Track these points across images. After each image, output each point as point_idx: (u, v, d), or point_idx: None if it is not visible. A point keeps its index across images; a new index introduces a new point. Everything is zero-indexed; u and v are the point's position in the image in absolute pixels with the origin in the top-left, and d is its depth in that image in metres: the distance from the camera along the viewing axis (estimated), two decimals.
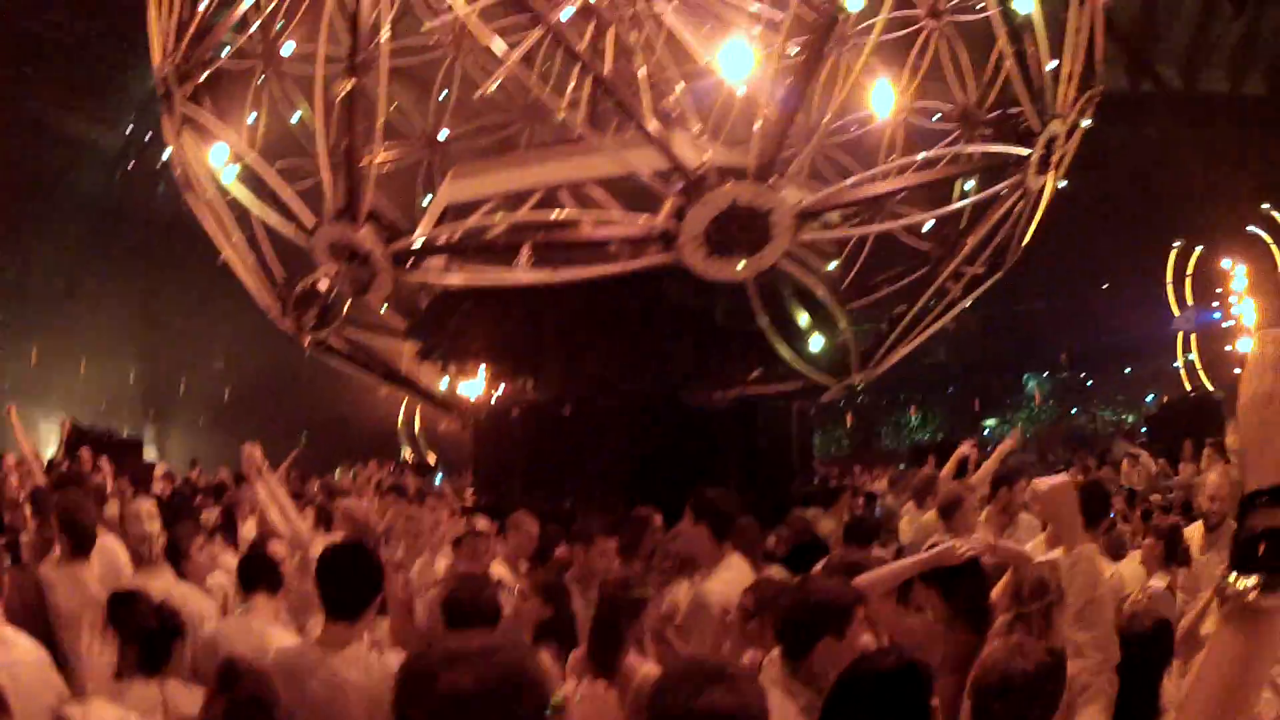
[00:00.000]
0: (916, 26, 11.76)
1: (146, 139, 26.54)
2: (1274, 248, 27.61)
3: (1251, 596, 1.32)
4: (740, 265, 7.57)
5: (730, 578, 5.03)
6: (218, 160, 9.47)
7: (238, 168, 9.56)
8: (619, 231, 7.85)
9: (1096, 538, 6.00)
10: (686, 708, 2.03)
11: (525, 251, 7.76)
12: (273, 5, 10.69)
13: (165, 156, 13.67)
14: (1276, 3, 26.94)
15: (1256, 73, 30.21)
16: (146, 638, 3.96)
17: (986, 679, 2.94)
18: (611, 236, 7.87)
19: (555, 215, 8.22)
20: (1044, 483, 3.76)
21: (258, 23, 10.90)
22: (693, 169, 7.39)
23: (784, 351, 8.37)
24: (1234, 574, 1.35)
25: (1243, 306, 28.28)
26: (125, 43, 22.11)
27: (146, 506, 5.90)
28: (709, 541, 5.24)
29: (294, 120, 11.93)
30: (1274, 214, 27.43)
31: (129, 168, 28.32)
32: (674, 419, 8.93)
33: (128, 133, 28.19)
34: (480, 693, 1.78)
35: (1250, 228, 27.67)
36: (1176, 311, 28.24)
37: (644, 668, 3.95)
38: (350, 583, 4.13)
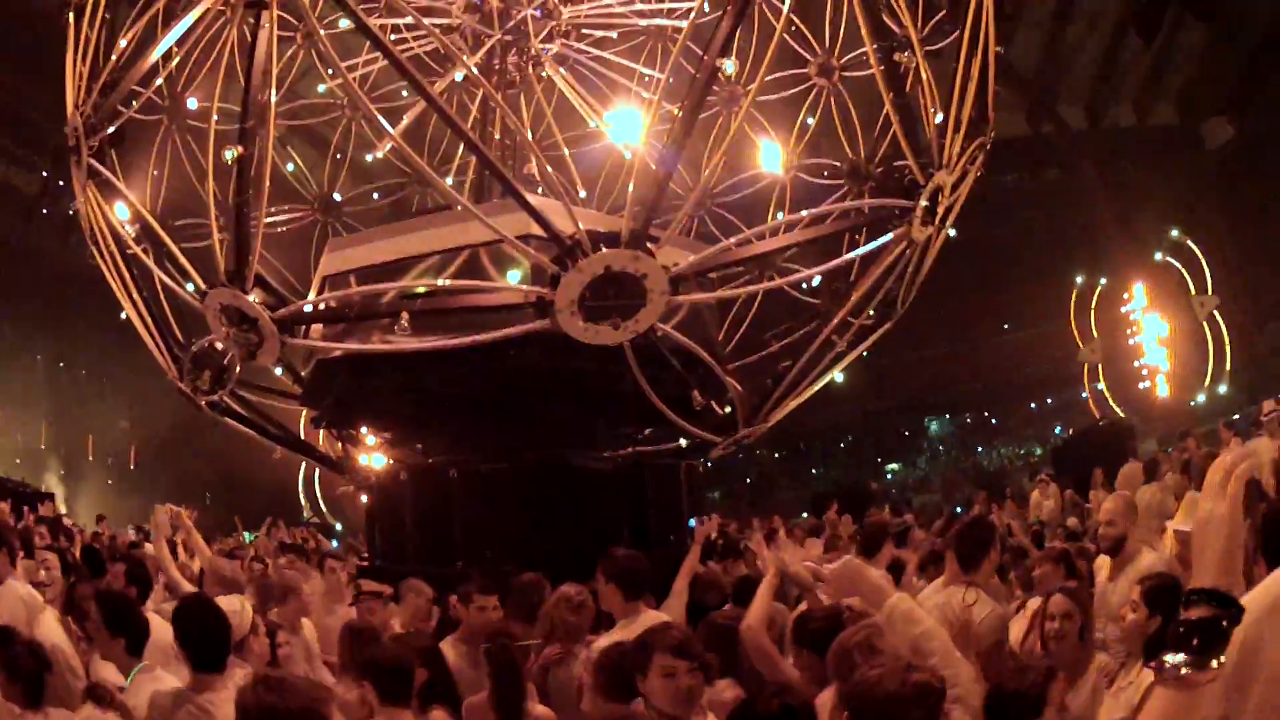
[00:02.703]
0: (808, 85, 12.02)
1: (61, 185, 26.17)
2: (1184, 272, 28.17)
3: (1183, 671, 1.69)
4: (616, 330, 7.62)
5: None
6: (121, 216, 9.41)
7: (138, 225, 9.49)
8: (495, 300, 7.89)
9: (978, 579, 6.14)
10: None
11: (404, 319, 7.76)
12: (179, 58, 10.71)
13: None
14: (1186, 27, 27.53)
15: (1164, 102, 30.86)
16: (25, 674, 4.22)
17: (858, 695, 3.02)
18: (487, 304, 7.90)
19: (437, 283, 8.23)
20: (829, 570, 3.92)
21: (162, 77, 10.93)
22: (566, 236, 7.45)
23: (667, 413, 8.44)
24: (1170, 653, 1.71)
25: (1150, 333, 28.89)
26: (44, 86, 21.83)
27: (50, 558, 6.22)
28: (620, 600, 5.62)
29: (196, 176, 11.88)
30: (1183, 239, 27.96)
31: (43, 214, 27.84)
32: (562, 481, 8.97)
33: (44, 177, 27.74)
34: None
35: (1158, 255, 28.23)
36: (1081, 345, 28.79)
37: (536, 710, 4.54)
38: (202, 636, 4.40)
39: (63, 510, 22.07)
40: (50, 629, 5.83)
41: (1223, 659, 1.69)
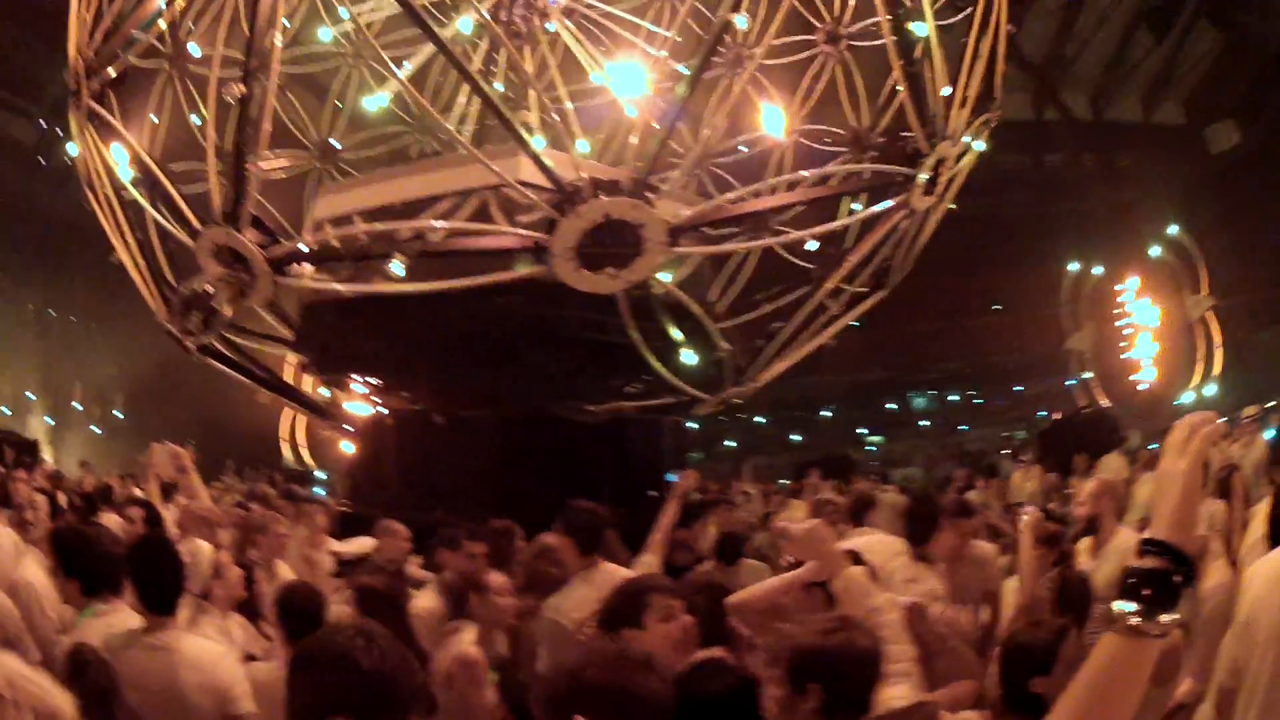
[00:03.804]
0: (813, 51, 11.97)
1: (59, 135, 26.02)
2: (1179, 270, 28.16)
3: (1132, 621, 1.68)
4: (612, 279, 7.60)
5: (586, 594, 5.13)
6: (118, 158, 9.35)
7: (135, 168, 9.44)
8: (490, 243, 7.85)
9: (928, 553, 6.16)
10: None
11: (400, 261, 7.73)
12: (184, 5, 10.62)
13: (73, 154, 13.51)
14: (1198, 33, 27.50)
15: (1171, 101, 30.82)
16: None
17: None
18: (484, 248, 7.86)
19: (431, 225, 8.18)
20: (795, 529, 3.85)
21: (167, 21, 10.83)
22: (567, 182, 7.42)
23: (656, 366, 8.42)
24: (1119, 601, 1.71)
25: (1137, 320, 28.92)
26: (45, 36, 21.69)
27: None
28: (575, 555, 5.53)
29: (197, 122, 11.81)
30: (1182, 238, 27.93)
31: (40, 164, 27.72)
32: (546, 432, 8.95)
33: (42, 128, 27.60)
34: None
35: (1154, 250, 28.20)
36: (1071, 331, 28.77)
37: None
38: (155, 577, 4.28)
39: (48, 457, 22.05)
40: (31, 570, 5.81)
41: (1176, 615, 1.68)
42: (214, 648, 4.40)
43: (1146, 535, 1.75)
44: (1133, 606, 1.69)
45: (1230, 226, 29.79)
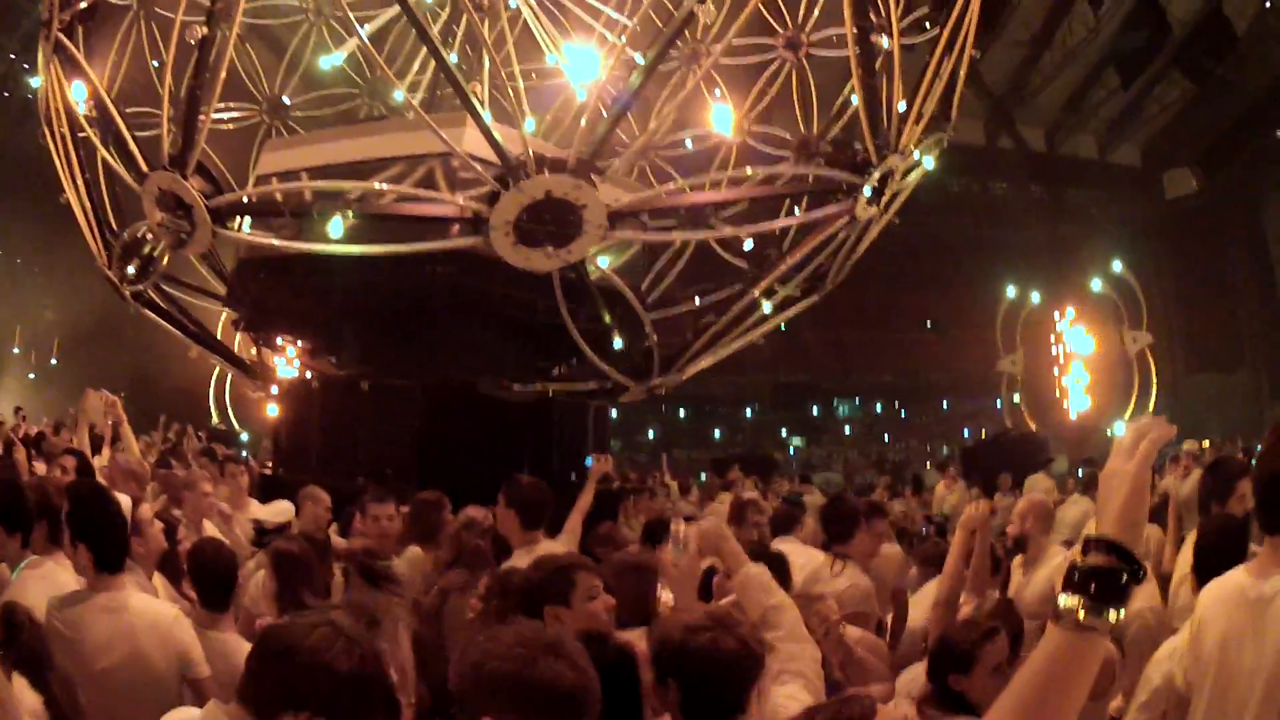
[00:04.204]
0: (771, 56, 12.07)
1: (25, 68, 25.43)
2: (1120, 306, 28.60)
3: (1081, 615, 1.68)
4: (547, 257, 7.64)
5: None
6: (78, 95, 9.22)
7: (93, 105, 9.31)
8: (429, 210, 7.86)
9: (849, 551, 6.29)
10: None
11: (340, 222, 7.71)
12: None
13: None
14: (1168, 80, 27.97)
15: (1129, 144, 31.38)
16: None
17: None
18: (421, 214, 7.87)
19: (372, 186, 8.18)
20: (694, 530, 3.96)
21: None
22: (513, 156, 7.45)
23: (585, 350, 8.48)
24: (1065, 595, 1.70)
25: (1073, 349, 29.39)
26: None
27: None
28: (519, 528, 5.63)
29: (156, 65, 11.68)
30: (1126, 275, 28.37)
31: (4, 95, 27.11)
32: (471, 406, 8.98)
33: (11, 60, 26.96)
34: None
35: (1096, 284, 28.62)
36: (1003, 354, 29.18)
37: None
38: (103, 532, 4.12)
39: None
40: None
41: (1121, 614, 1.69)
42: (168, 607, 4.29)
43: (1092, 534, 1.76)
44: (1079, 599, 1.68)
45: (1178, 270, 30.50)
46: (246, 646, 4.30)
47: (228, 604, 4.55)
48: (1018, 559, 6.56)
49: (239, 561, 5.10)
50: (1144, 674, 3.88)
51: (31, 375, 27.20)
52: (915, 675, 4.31)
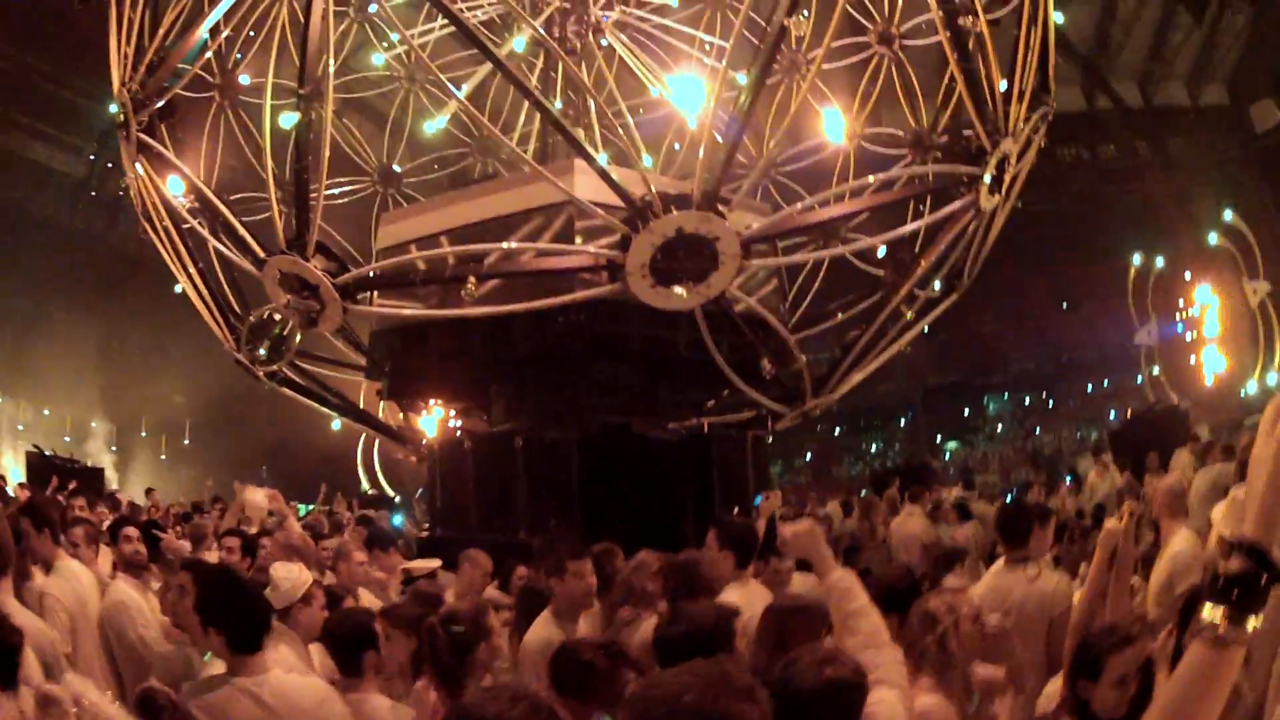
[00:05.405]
0: (869, 53, 11.86)
1: (109, 167, 26.33)
2: (1237, 256, 27.64)
3: (1222, 628, 1.64)
4: (687, 294, 7.52)
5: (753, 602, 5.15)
6: (174, 189, 9.39)
7: (192, 198, 9.48)
8: (564, 263, 7.81)
9: (1020, 557, 6.08)
10: None
11: (471, 284, 7.70)
12: (228, 33, 10.70)
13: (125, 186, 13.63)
14: (1235, 8, 27.07)
15: (1215, 83, 30.35)
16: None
17: None
18: (557, 268, 7.82)
19: (502, 245, 8.16)
20: (788, 529, 3.93)
21: (213, 51, 10.92)
22: (637, 198, 7.35)
23: (735, 381, 8.33)
24: (1207, 605, 1.66)
25: (1206, 318, 28.43)
26: (89, 70, 21.87)
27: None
28: (732, 566, 5.55)
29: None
30: (1237, 223, 27.43)
31: (91, 196, 28.09)
32: (627, 450, 8.89)
33: (91, 161, 27.96)
34: None
35: (1212, 237, 27.73)
36: (1137, 326, 28.32)
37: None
38: (236, 615, 3.98)
39: (114, 486, 22.29)
40: (122, 591, 5.86)
41: (1260, 618, 1.64)
42: (312, 686, 4.18)
43: (1231, 535, 1.70)
44: (1221, 611, 1.65)
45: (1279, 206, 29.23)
46: (387, 703, 4.36)
47: (361, 668, 4.53)
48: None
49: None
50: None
51: (163, 457, 28.00)
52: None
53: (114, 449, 27.81)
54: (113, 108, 9.60)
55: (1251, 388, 26.74)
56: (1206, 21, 27.21)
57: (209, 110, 11.60)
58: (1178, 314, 28.67)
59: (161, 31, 9.52)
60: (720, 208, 7.50)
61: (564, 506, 8.80)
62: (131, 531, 6.75)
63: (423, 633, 4.38)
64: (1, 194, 25.32)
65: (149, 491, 18.13)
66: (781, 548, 4.25)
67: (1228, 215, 27.31)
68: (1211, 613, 1.65)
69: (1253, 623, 1.64)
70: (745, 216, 8.09)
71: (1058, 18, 10.17)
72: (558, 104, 10.13)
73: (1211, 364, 28.18)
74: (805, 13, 7.65)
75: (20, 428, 26.40)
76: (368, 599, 6.63)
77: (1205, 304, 28.34)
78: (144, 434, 28.36)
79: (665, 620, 4.33)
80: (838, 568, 3.75)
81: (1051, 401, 33.40)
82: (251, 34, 11.33)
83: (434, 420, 10.55)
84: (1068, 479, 17.55)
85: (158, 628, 5.88)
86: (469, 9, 11.43)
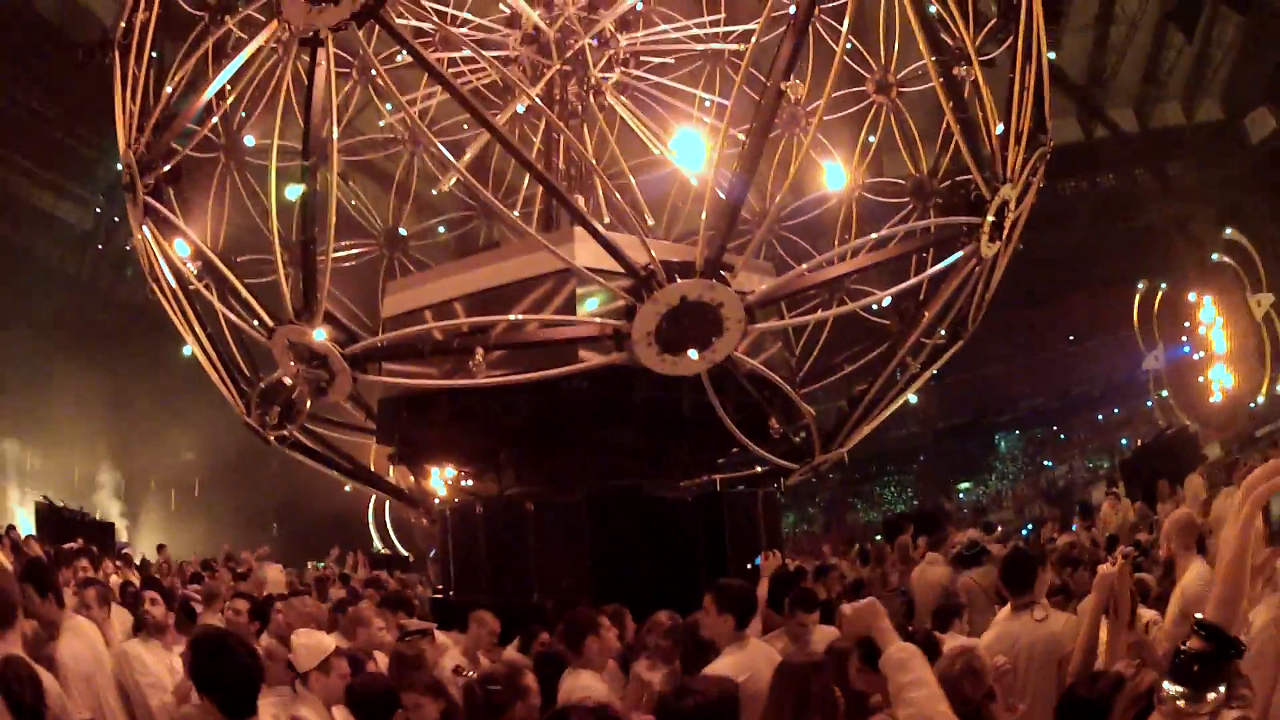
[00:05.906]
0: (867, 102, 11.96)
1: (115, 221, 26.35)
2: (1241, 273, 27.60)
3: (1180, 704, 1.77)
4: (694, 360, 7.58)
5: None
6: (181, 251, 9.42)
7: (198, 262, 9.50)
8: (570, 333, 7.88)
9: (1025, 603, 6.10)
10: None
11: (480, 355, 7.75)
12: (234, 95, 10.79)
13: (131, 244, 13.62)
14: (1223, 20, 27.12)
15: (1209, 98, 30.43)
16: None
17: None
18: (564, 337, 7.89)
19: (509, 317, 8.23)
20: (849, 608, 3.97)
21: (219, 114, 11.01)
22: (640, 267, 7.42)
23: (743, 440, 8.38)
24: (1168, 682, 1.80)
25: (1212, 336, 28.37)
26: (94, 120, 21.95)
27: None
28: (731, 629, 5.53)
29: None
30: (1237, 238, 27.40)
31: (99, 248, 28.07)
32: (638, 510, 8.93)
33: (98, 214, 27.97)
34: None
35: (1215, 255, 27.71)
36: (1145, 352, 28.30)
37: None
38: (223, 680, 3.92)
39: (124, 540, 22.31)
40: (130, 644, 6.11)
41: (1221, 691, 1.77)
42: None
43: (1197, 617, 1.84)
44: (1179, 689, 1.79)
45: (1277, 216, 29.17)
46: None
47: None
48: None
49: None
50: None
51: (173, 510, 27.93)
52: None
53: (122, 500, 27.77)
54: (118, 165, 9.62)
55: (1260, 400, 26.70)
56: (1198, 35, 27.27)
57: (215, 169, 11.65)
58: (1184, 336, 28.61)
59: (167, 90, 9.60)
60: (724, 273, 7.57)
61: (577, 568, 8.84)
62: (154, 595, 6.85)
63: (460, 692, 4.60)
64: (7, 236, 25.19)
65: (161, 548, 18.15)
66: (842, 624, 4.25)
67: (1227, 231, 27.33)
68: (1172, 690, 1.80)
69: (1212, 697, 1.76)
70: (750, 278, 8.16)
71: (1050, 55, 10.23)
72: (561, 167, 10.22)
73: (1220, 380, 28.14)
74: (799, 81, 7.65)
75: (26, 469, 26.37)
76: (385, 663, 6.71)
77: (1210, 322, 28.28)
78: (153, 488, 28.31)
79: (672, 693, 4.39)
80: (898, 639, 3.79)
81: (1062, 435, 33.30)
82: (256, 93, 11.39)
83: (445, 482, 10.60)
84: (1077, 511, 17.47)
85: (170, 689, 5.98)
86: (472, 72, 11.57)
